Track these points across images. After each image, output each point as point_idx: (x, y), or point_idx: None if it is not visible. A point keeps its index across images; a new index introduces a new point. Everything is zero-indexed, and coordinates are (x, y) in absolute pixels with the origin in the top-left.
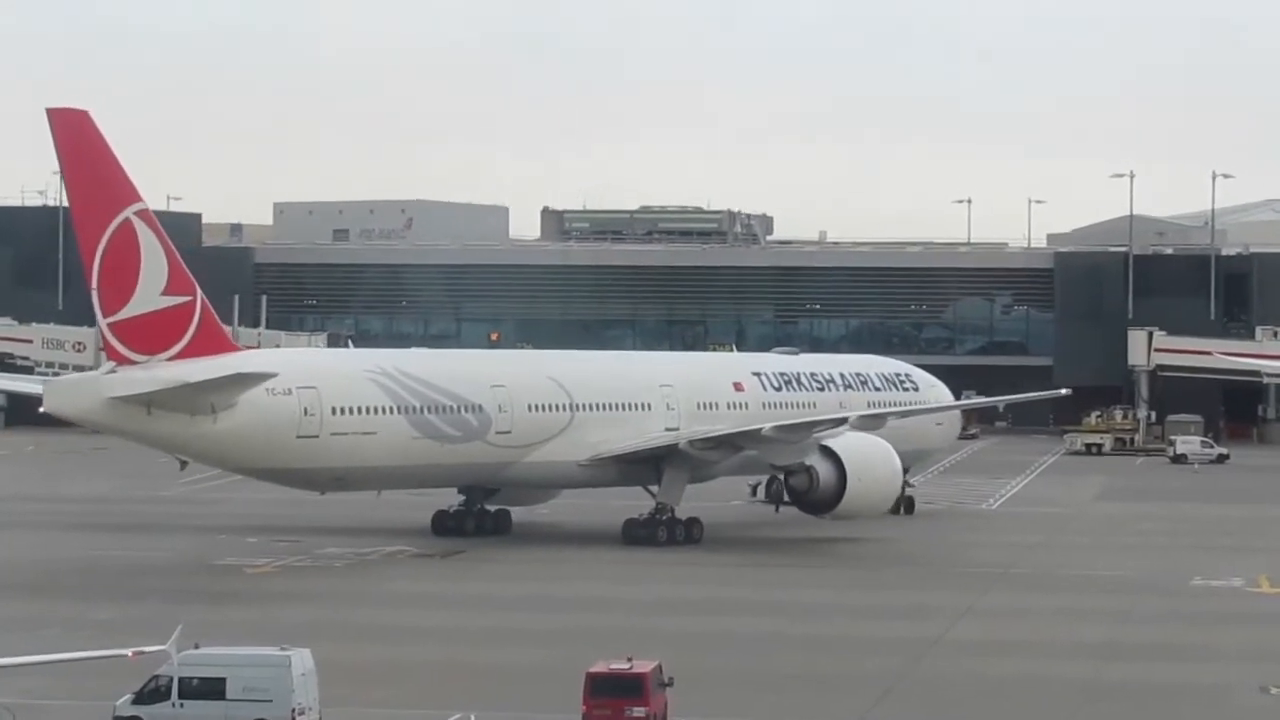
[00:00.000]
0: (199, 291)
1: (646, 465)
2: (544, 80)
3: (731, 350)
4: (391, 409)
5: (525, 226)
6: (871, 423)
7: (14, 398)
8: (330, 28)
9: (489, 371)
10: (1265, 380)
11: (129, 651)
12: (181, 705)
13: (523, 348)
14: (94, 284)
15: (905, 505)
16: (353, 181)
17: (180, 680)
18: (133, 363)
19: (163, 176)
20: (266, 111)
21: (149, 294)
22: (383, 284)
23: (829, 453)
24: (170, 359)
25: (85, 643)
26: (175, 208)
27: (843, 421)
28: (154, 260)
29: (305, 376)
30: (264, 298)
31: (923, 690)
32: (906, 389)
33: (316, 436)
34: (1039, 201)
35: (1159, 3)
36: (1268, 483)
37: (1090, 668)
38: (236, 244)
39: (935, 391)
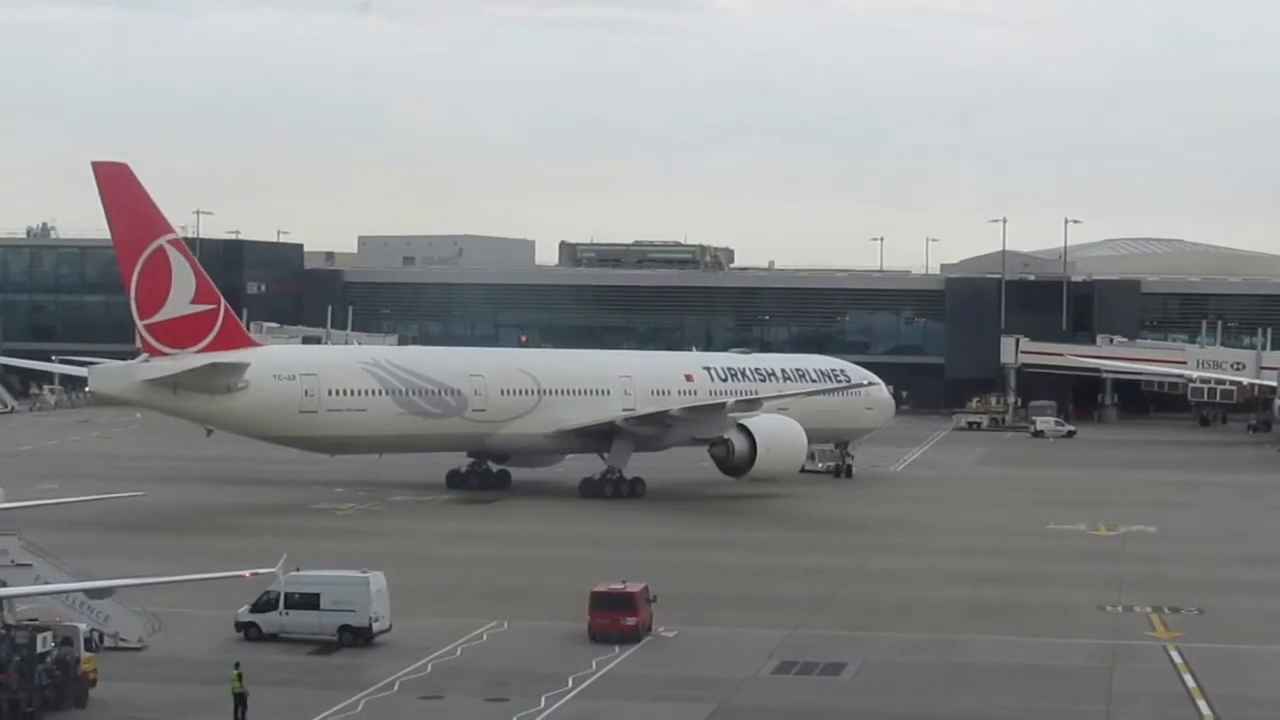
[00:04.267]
0: (222, 301)
1: (599, 437)
2: (564, 149)
3: (692, 350)
4: (380, 391)
5: (547, 256)
6: (748, 405)
7: None
8: (410, 108)
9: (469, 364)
10: (1103, 375)
11: (247, 573)
12: (287, 614)
13: (544, 347)
14: (132, 295)
15: (846, 471)
16: (418, 220)
17: (286, 595)
18: (164, 354)
19: (276, 216)
20: (357, 167)
21: (179, 303)
22: (440, 299)
23: (744, 429)
24: (197, 352)
25: (213, 566)
26: (284, 239)
27: (722, 405)
28: (183, 277)
29: (309, 365)
30: (350, 308)
31: (846, 607)
32: (840, 381)
33: (315, 412)
34: (934, 240)
35: (1028, 92)
36: (1104, 453)
37: (971, 590)
38: (330, 267)
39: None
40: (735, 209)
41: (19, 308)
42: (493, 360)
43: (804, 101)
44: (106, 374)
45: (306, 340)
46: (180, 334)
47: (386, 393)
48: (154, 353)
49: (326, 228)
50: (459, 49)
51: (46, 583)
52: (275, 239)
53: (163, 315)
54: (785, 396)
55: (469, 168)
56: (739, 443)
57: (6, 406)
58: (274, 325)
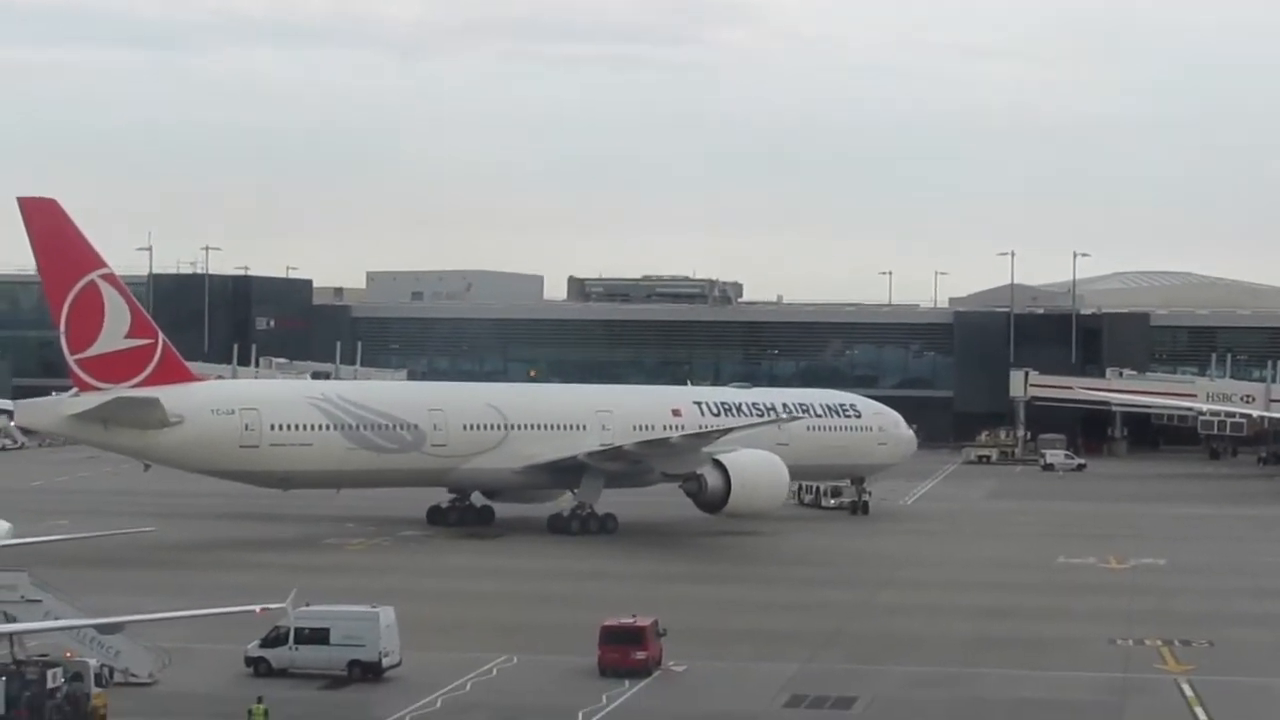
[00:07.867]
0: (160, 335)
1: (570, 472)
2: (572, 184)
3: (687, 384)
4: (327, 426)
5: (556, 290)
6: (698, 439)
7: None
8: (419, 143)
9: (429, 398)
10: (1113, 408)
11: (257, 608)
12: (296, 649)
13: (553, 381)
14: (61, 329)
15: (862, 508)
16: (427, 255)
17: (295, 630)
18: (96, 389)
19: (284, 252)
20: (366, 203)
21: (113, 337)
22: (449, 333)
23: (718, 464)
24: (133, 387)
25: (223, 602)
26: (293, 275)
27: (666, 440)
28: (117, 312)
29: (250, 400)
30: (359, 343)
31: (856, 641)
32: (849, 415)
33: (257, 447)
34: (943, 273)
35: (1036, 125)
36: (1115, 486)
37: (981, 624)
38: (338, 302)
39: (879, 418)
40: (743, 243)
41: (28, 344)
42: (456, 394)
43: (810, 135)
44: (32, 409)
45: (315, 375)
46: (114, 369)
47: (335, 427)
48: (85, 387)
49: (335, 263)
50: (467, 85)
51: (56, 618)
52: (284, 274)
53: (94, 350)
54: (736, 430)
55: (478, 203)
56: (712, 479)
57: (16, 442)
58: (283, 360)
